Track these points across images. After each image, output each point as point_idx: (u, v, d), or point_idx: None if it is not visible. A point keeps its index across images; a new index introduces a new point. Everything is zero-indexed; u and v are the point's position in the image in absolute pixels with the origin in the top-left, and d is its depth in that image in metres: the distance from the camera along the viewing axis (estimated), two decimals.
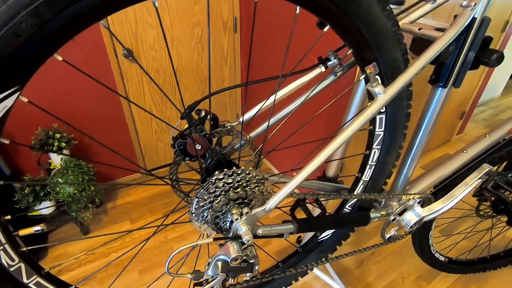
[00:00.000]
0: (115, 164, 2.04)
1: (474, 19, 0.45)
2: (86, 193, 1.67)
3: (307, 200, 0.66)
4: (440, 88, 0.53)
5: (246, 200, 0.42)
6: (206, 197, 0.40)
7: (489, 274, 1.58)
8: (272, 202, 0.41)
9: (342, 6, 0.35)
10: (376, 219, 0.61)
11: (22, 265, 0.38)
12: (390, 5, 0.58)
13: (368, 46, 0.41)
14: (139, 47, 1.77)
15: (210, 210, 0.41)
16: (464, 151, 0.71)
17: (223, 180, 0.41)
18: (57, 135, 1.57)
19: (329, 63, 0.52)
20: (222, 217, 0.42)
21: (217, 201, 0.40)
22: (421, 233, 1.03)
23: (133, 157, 2.11)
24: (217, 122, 0.47)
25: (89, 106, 1.75)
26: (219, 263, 0.40)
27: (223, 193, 0.41)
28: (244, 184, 0.41)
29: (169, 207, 1.99)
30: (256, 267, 0.43)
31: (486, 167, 0.61)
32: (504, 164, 0.96)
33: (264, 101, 0.51)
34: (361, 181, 0.58)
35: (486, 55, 0.48)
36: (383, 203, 0.68)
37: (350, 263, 1.68)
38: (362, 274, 1.62)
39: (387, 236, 0.67)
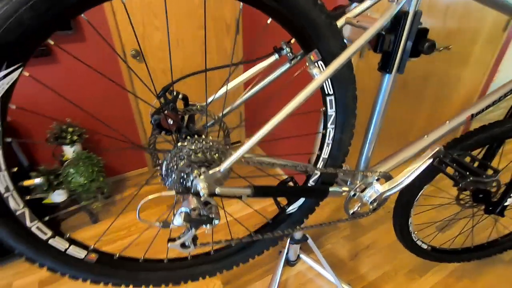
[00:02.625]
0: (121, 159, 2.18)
1: (406, 12, 0.52)
2: (95, 184, 1.80)
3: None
4: (386, 74, 0.60)
5: (206, 164, 0.51)
6: (173, 160, 0.49)
7: (483, 268, 1.59)
8: (225, 164, 0.49)
9: (278, 2, 0.43)
10: (336, 194, 0.68)
11: (26, 211, 0.48)
12: (351, 2, 0.65)
13: (307, 36, 0.48)
14: (146, 48, 1.90)
15: (177, 171, 0.50)
16: (426, 136, 0.77)
17: (187, 146, 0.50)
18: (70, 129, 1.71)
19: (282, 51, 0.60)
20: (186, 177, 0.50)
21: (181, 163, 0.49)
22: (401, 219, 1.08)
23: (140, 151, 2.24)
24: (187, 101, 0.56)
25: (99, 101, 1.89)
26: (182, 214, 0.48)
27: (186, 156, 0.49)
28: (204, 150, 0.50)
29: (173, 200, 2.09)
30: (216, 222, 0.51)
31: (437, 147, 0.67)
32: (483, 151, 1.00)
33: (226, 85, 0.60)
34: (321, 159, 0.65)
35: (420, 44, 0.55)
36: (349, 182, 0.75)
37: (345, 255, 1.73)
38: (355, 266, 1.67)
39: (351, 211, 0.74)
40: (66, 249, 0.54)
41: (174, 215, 0.48)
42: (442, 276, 1.58)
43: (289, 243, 1.48)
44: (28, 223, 0.48)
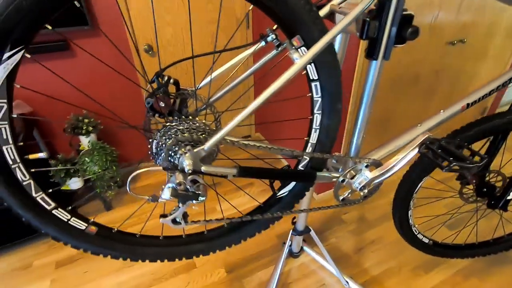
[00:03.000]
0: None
1: None
2: (109, 173, 1.88)
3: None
4: (373, 61, 0.61)
5: (192, 143, 0.54)
6: (162, 139, 0.53)
7: (492, 267, 1.55)
8: (208, 144, 0.52)
9: None
10: (325, 178, 0.69)
11: (32, 182, 0.53)
12: None
13: (288, 22, 0.51)
14: (158, 44, 1.96)
15: (165, 149, 0.53)
16: (419, 125, 0.77)
17: (174, 126, 0.53)
18: (86, 120, 1.80)
19: (268, 38, 0.63)
20: (173, 155, 0.54)
21: (169, 142, 0.53)
22: (400, 211, 1.08)
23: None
24: (178, 86, 0.59)
25: (113, 93, 1.97)
26: (169, 189, 0.52)
27: (173, 136, 0.53)
28: (190, 130, 0.53)
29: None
30: (202, 198, 0.55)
31: (426, 135, 0.67)
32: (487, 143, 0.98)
33: (211, 72, 0.63)
34: (309, 144, 0.67)
35: (404, 30, 0.56)
36: (340, 169, 0.76)
37: (349, 249, 1.73)
38: (359, 260, 1.67)
39: (341, 197, 0.75)
40: (68, 220, 0.59)
41: (163, 189, 0.52)
42: (449, 274, 1.56)
43: (292, 234, 1.50)
44: (33, 193, 0.54)
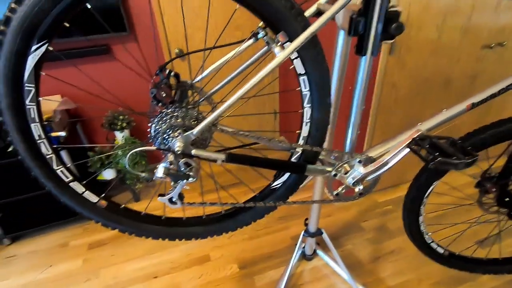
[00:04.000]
0: None
1: None
2: (138, 167, 2.04)
3: None
4: (362, 57, 0.63)
5: (184, 128, 0.60)
6: (158, 124, 0.60)
7: None
8: (197, 129, 0.58)
9: None
10: (316, 171, 0.71)
11: (53, 156, 0.63)
12: None
13: (272, 19, 0.55)
14: (189, 47, 2.10)
15: (160, 133, 0.60)
16: (419, 124, 0.76)
17: (170, 113, 0.60)
18: (121, 117, 1.98)
19: (259, 35, 0.67)
20: (167, 138, 0.61)
21: (164, 126, 0.60)
22: (409, 217, 1.04)
23: None
24: (179, 78, 0.66)
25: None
26: (162, 168, 0.59)
27: (168, 121, 0.60)
28: (184, 117, 0.60)
29: (205, 188, 2.23)
30: (192, 179, 0.60)
31: (418, 131, 0.66)
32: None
33: (202, 66, 0.69)
34: (301, 137, 0.70)
35: (389, 26, 0.57)
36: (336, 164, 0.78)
37: (365, 257, 1.68)
38: (375, 269, 1.61)
39: (334, 192, 0.76)
40: (82, 192, 0.69)
41: (157, 168, 0.59)
42: None
43: (303, 235, 1.51)
44: (54, 166, 0.64)
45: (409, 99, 1.75)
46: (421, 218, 1.05)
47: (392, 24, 0.57)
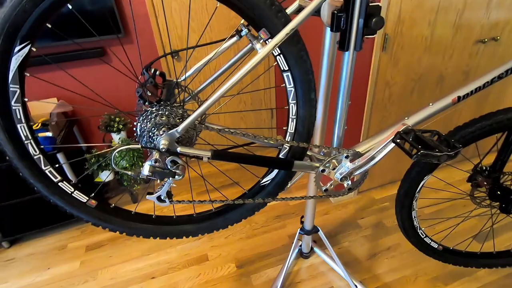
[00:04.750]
0: None
1: None
2: (136, 168, 2.05)
3: None
4: (346, 53, 0.63)
5: (169, 126, 0.61)
6: (144, 122, 0.61)
7: None
8: (181, 126, 0.58)
9: None
10: (304, 167, 0.71)
11: (41, 157, 0.64)
12: None
13: (253, 16, 0.55)
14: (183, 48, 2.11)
15: (146, 131, 0.61)
16: (406, 118, 0.76)
17: (154, 111, 0.61)
18: (117, 119, 1.99)
19: (242, 33, 0.67)
20: (153, 136, 0.61)
21: (149, 124, 0.60)
22: (402, 212, 1.05)
23: None
24: (164, 77, 0.67)
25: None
26: (148, 166, 0.59)
27: (153, 119, 0.60)
28: (168, 115, 0.60)
29: (199, 189, 2.24)
30: (178, 177, 0.61)
31: (404, 125, 0.66)
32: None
33: (185, 65, 0.70)
34: (288, 133, 0.70)
35: (369, 21, 0.57)
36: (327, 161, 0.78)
37: (362, 254, 1.68)
38: (372, 266, 1.61)
39: (323, 188, 0.77)
40: (71, 192, 0.69)
41: (143, 166, 0.59)
42: None
43: (299, 233, 1.51)
44: (43, 167, 0.64)
45: (403, 96, 1.75)
46: (414, 213, 1.05)
47: (373, 19, 0.57)
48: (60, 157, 1.66)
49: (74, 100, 1.98)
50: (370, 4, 0.58)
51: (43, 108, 1.85)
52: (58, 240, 1.93)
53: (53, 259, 1.80)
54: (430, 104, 0.74)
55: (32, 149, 0.62)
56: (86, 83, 1.99)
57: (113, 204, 0.75)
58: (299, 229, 1.52)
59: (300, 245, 1.66)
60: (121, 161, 1.97)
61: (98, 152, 1.99)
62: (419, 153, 0.57)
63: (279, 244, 1.79)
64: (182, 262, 1.70)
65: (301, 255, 1.69)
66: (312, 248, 1.67)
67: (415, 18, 1.49)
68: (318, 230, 1.49)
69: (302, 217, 1.49)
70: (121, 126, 2.00)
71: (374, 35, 0.60)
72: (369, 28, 0.59)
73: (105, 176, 2.05)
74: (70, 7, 0.51)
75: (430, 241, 1.12)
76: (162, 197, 0.67)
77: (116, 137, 2.04)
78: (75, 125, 2.07)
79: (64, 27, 1.77)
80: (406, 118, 0.75)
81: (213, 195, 2.08)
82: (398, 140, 0.62)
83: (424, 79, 1.73)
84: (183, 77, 0.72)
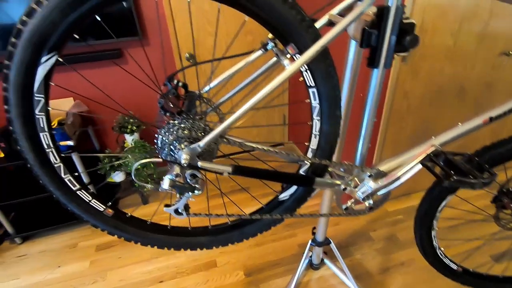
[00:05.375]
0: None
1: (388, 7, 0.53)
2: (147, 169, 2.05)
3: None
4: (374, 70, 0.61)
5: (191, 140, 0.59)
6: (165, 135, 0.60)
7: None
8: (203, 141, 0.57)
9: (251, 2, 0.50)
10: (325, 184, 0.69)
11: (61, 165, 0.63)
12: None
13: (282, 31, 0.53)
14: (199, 52, 2.11)
15: (167, 144, 0.60)
16: (433, 137, 0.73)
17: (176, 124, 0.59)
18: (131, 121, 2.00)
19: (268, 46, 0.66)
20: (174, 150, 0.60)
21: (171, 138, 0.59)
22: (421, 230, 1.01)
23: None
24: (187, 89, 0.66)
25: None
26: (168, 180, 0.58)
27: (175, 132, 0.59)
28: (190, 128, 0.59)
29: (212, 192, 2.23)
30: (197, 192, 0.60)
31: (434, 147, 0.63)
32: None
33: (211, 77, 0.69)
34: (310, 149, 0.68)
35: (403, 38, 0.55)
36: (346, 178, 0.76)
37: (374, 268, 1.64)
38: (384, 281, 1.57)
39: (344, 206, 0.74)
40: (89, 201, 0.69)
41: (163, 180, 0.58)
42: None
43: (311, 244, 1.48)
44: (62, 175, 0.64)
45: (422, 108, 1.70)
46: (433, 233, 1.01)
47: (406, 37, 0.55)
48: (75, 157, 1.67)
49: (90, 102, 2.00)
50: (404, 21, 0.55)
51: (59, 107, 1.87)
52: (69, 238, 1.95)
53: (64, 257, 1.81)
54: (460, 124, 0.71)
55: (53, 157, 0.62)
56: (104, 84, 2.01)
57: (129, 214, 0.75)
58: (310, 240, 1.49)
59: (310, 256, 1.63)
60: (133, 162, 1.97)
61: (113, 154, 2.01)
62: (452, 179, 0.54)
63: (289, 253, 1.76)
64: (190, 267, 1.69)
65: (311, 266, 1.66)
66: (322, 260, 1.63)
67: (438, 28, 1.45)
68: (330, 242, 1.46)
69: (314, 228, 1.46)
70: (134, 128, 2.01)
71: (406, 53, 0.57)
72: (402, 46, 0.57)
73: (117, 177, 2.06)
74: (98, 18, 0.50)
75: (449, 262, 1.08)
76: (180, 210, 0.66)
77: (129, 138, 2.05)
78: (89, 124, 2.09)
79: (82, 29, 1.79)
80: (433, 138, 0.72)
81: (228, 204, 2.07)
82: (427, 163, 0.59)
83: (444, 90, 1.68)
84: (206, 89, 0.71)
